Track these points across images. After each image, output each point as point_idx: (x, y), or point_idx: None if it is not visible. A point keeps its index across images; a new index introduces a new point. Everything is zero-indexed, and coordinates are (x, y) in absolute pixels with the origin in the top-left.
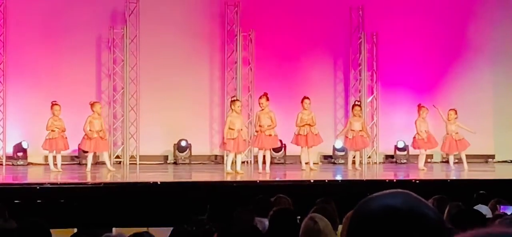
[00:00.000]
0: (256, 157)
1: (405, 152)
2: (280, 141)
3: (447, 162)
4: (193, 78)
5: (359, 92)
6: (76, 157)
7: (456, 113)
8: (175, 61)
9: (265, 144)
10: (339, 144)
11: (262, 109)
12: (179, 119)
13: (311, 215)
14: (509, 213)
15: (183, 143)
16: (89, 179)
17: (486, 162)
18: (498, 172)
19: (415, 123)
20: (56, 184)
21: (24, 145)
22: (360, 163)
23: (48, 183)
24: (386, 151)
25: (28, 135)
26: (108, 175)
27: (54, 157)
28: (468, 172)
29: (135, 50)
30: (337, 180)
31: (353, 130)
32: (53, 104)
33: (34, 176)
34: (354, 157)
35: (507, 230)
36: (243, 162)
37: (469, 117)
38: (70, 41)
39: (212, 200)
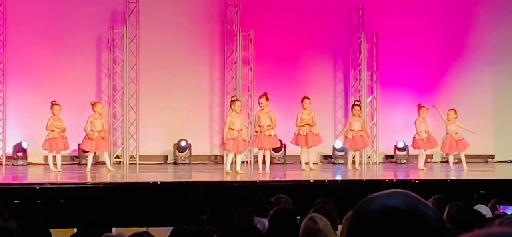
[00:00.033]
0: (256, 157)
1: (405, 152)
2: (280, 141)
3: (447, 162)
4: (193, 78)
5: (359, 92)
6: (76, 157)
7: (456, 113)
8: (175, 61)
9: (264, 144)
10: (338, 144)
11: (262, 109)
12: (179, 119)
13: (311, 215)
14: (509, 213)
15: (183, 143)
16: (89, 179)
17: (486, 162)
18: (498, 172)
19: (415, 123)
20: (56, 184)
21: (24, 145)
22: (360, 163)
23: (48, 183)
24: (386, 151)
25: (28, 135)
26: (108, 175)
27: (54, 157)
28: (468, 172)
29: (135, 50)
30: (337, 180)
31: (353, 130)
32: (53, 104)
33: (34, 176)
34: (353, 157)
35: (507, 230)
36: (243, 162)
37: (469, 117)
38: (70, 41)
39: (212, 200)
